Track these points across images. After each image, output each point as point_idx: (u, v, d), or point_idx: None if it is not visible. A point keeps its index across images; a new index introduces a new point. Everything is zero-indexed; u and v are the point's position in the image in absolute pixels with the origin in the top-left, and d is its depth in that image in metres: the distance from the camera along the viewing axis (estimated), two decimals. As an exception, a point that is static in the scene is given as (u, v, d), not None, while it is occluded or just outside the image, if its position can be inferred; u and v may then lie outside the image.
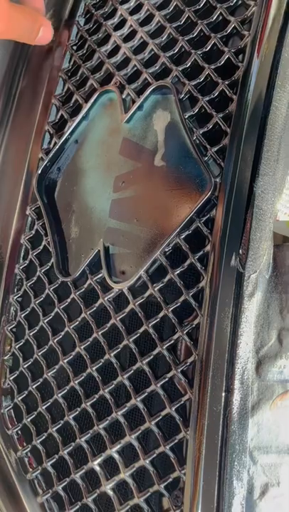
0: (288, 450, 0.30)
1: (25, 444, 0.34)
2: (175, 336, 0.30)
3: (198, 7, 0.33)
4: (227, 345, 0.29)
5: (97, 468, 0.31)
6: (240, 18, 0.32)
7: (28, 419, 0.34)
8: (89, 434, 0.31)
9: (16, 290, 0.37)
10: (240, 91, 0.31)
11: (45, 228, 0.36)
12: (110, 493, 0.30)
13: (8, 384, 0.36)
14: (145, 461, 0.29)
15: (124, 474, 0.30)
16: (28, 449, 0.34)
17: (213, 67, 0.32)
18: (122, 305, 0.32)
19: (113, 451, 0.30)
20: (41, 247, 0.36)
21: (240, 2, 0.32)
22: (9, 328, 0.37)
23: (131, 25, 0.35)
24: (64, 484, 0.32)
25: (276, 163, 0.30)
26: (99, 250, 0.33)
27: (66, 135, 0.36)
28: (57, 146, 0.36)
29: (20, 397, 0.35)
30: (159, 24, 0.34)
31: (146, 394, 0.30)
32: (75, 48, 0.38)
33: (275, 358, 0.30)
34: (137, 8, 0.36)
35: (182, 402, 0.29)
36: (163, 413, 0.29)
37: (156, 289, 0.31)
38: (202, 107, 0.31)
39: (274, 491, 0.30)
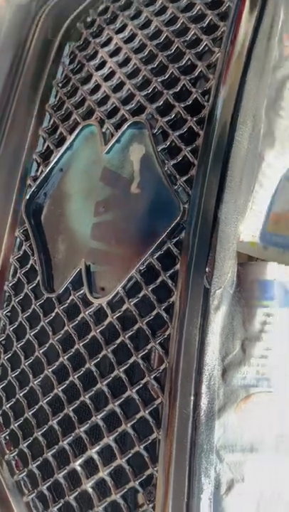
0: (251, 449, 0.33)
1: (12, 448, 0.37)
2: (148, 346, 0.33)
3: (170, 52, 0.38)
4: (195, 353, 0.32)
5: (78, 469, 0.34)
6: (207, 63, 0.36)
7: (16, 425, 0.37)
8: (71, 437, 0.34)
9: (5, 305, 0.40)
10: (206, 127, 0.35)
11: (32, 249, 0.39)
12: (90, 490, 0.33)
13: (-4, 393, 0.39)
14: (122, 461, 0.32)
15: (103, 473, 0.33)
16: (15, 452, 0.37)
17: (182, 105, 0.36)
18: (102, 318, 0.35)
19: (93, 452, 0.33)
20: (28, 266, 0.39)
21: (206, 49, 0.37)
22: (-2, 341, 0.40)
23: (110, 67, 0.40)
24: (48, 484, 0.35)
25: (238, 191, 0.34)
26: (81, 269, 0.36)
27: (52, 164, 0.40)
28: (44, 174, 0.40)
29: (8, 405, 0.38)
30: (135, 66, 0.39)
31: (122, 399, 0.33)
32: (60, 85, 0.42)
33: (239, 365, 0.33)
34: (116, 52, 0.40)
35: (155, 405, 0.32)
36: (138, 416, 0.32)
37: (132, 304, 0.34)
38: (173, 141, 0.35)
39: (239, 487, 0.33)
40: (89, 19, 0.43)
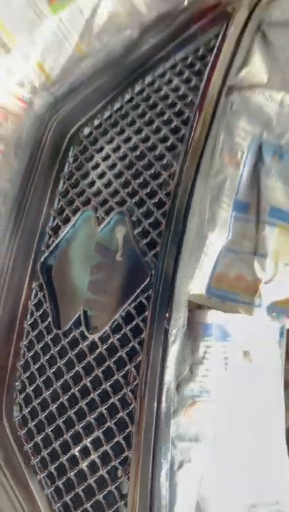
0: (196, 439, 0.48)
1: (29, 441, 0.51)
2: (126, 368, 0.48)
3: (144, 162, 0.54)
4: (158, 373, 0.47)
5: (77, 454, 0.49)
6: (168, 173, 0.52)
7: (32, 424, 0.51)
8: (72, 431, 0.49)
9: (24, 338, 0.56)
10: (168, 218, 0.51)
11: (45, 297, 0.54)
12: (85, 469, 0.48)
13: (18, 401, 0.54)
14: (107, 447, 0.47)
15: (94, 456, 0.48)
16: (31, 444, 0.51)
17: (152, 201, 0.52)
18: (94, 348, 0.51)
19: (87, 441, 0.48)
20: (42, 310, 0.55)
21: (169, 162, 0.53)
22: (19, 364, 0.55)
23: (102, 169, 0.56)
24: (55, 465, 0.49)
25: (189, 262, 0.50)
26: (80, 313, 0.52)
27: (60, 236, 0.56)
28: (54, 243, 0.55)
29: (27, 410, 0.52)
30: (120, 170, 0.55)
31: (108, 404, 0.48)
32: (66, 177, 0.59)
33: (188, 381, 0.49)
34: (107, 158, 0.56)
35: (130, 409, 0.47)
36: (118, 416, 0.47)
37: (115, 338, 0.49)
38: (144, 227, 0.51)
39: (187, 466, 0.48)
40: (87, 130, 0.59)
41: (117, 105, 0.59)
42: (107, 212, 0.54)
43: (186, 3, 0.61)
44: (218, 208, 0.53)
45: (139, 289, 0.49)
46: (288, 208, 0.53)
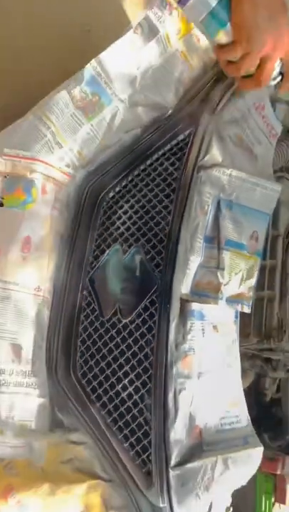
0: (187, 376, 0.83)
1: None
2: (146, 337, 0.83)
3: (149, 215, 0.89)
4: (165, 340, 0.83)
5: (121, 389, 0.83)
6: (165, 222, 0.88)
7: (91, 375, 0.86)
8: (117, 375, 0.84)
9: (80, 324, 0.90)
10: (166, 249, 0.86)
11: (93, 299, 0.89)
12: (126, 397, 0.83)
13: (80, 363, 0.88)
14: (138, 383, 0.82)
15: (130, 389, 0.82)
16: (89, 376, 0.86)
17: (156, 239, 0.87)
18: (126, 327, 0.85)
19: (126, 381, 0.83)
20: (91, 307, 0.89)
21: (164, 216, 0.89)
22: (79, 340, 0.89)
23: (123, 219, 0.91)
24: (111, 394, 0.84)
25: (180, 274, 0.85)
26: (116, 308, 0.87)
27: (100, 262, 0.90)
28: (96, 267, 0.90)
29: (86, 367, 0.87)
30: (135, 220, 0.90)
31: (137, 358, 0.83)
32: (100, 224, 0.93)
33: (182, 344, 0.84)
34: (126, 212, 0.92)
35: (149, 360, 0.82)
36: (142, 365, 0.82)
37: (139, 320, 0.85)
38: (152, 255, 0.86)
39: (183, 392, 0.82)
40: (111, 194, 0.94)
41: (130, 178, 0.94)
42: (129, 247, 0.89)
43: (170, 112, 0.97)
44: (194, 241, 0.88)
45: (151, 292, 0.84)
46: (236, 240, 0.89)
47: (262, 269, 1.15)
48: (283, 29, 0.69)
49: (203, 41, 0.97)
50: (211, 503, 0.82)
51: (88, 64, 0.93)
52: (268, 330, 1.19)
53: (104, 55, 0.93)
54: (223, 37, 0.74)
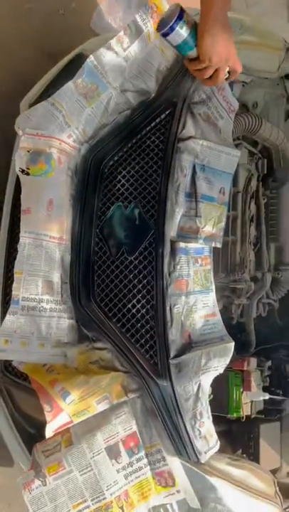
0: (179, 294, 1.13)
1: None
2: (151, 265, 1.13)
3: (144, 176, 1.17)
4: (160, 268, 1.12)
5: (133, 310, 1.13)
6: (155, 184, 1.15)
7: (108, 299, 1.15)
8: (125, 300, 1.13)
9: (95, 260, 1.18)
10: (158, 204, 1.14)
11: (103, 243, 1.17)
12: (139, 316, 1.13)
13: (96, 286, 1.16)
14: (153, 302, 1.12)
15: (138, 306, 1.12)
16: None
17: (150, 196, 1.15)
18: (135, 257, 1.14)
19: (133, 300, 1.13)
20: (103, 249, 1.17)
21: (155, 178, 1.16)
22: (96, 272, 1.17)
23: (122, 182, 1.18)
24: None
25: (169, 222, 1.14)
26: (123, 247, 1.15)
27: (107, 215, 1.17)
28: (104, 219, 1.17)
29: (103, 294, 1.15)
30: (131, 182, 1.17)
31: (148, 278, 1.13)
32: (104, 186, 1.20)
33: (173, 272, 1.14)
34: (124, 176, 1.18)
35: (152, 284, 1.12)
36: (151, 284, 1.12)
37: (144, 253, 1.13)
38: (148, 209, 1.14)
39: (175, 305, 1.13)
40: (111, 162, 1.20)
41: (125, 149, 1.20)
42: (129, 203, 1.16)
43: (152, 96, 1.23)
44: (178, 197, 1.16)
45: (149, 236, 1.13)
46: (208, 195, 1.19)
47: (226, 219, 1.45)
48: (231, 50, 1.06)
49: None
50: (200, 385, 1.14)
51: (88, 59, 1.17)
52: (233, 266, 1.51)
53: (100, 52, 1.17)
54: (191, 55, 1.09)
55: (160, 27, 1.10)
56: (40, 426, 1.16)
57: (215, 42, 1.02)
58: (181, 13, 1.04)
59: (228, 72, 1.11)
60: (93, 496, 1.07)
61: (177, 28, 1.04)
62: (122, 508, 1.07)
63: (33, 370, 1.11)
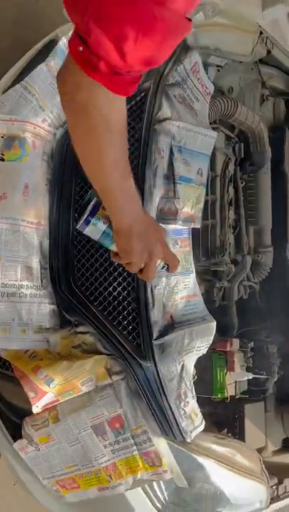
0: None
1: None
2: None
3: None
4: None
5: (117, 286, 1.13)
6: (135, 162, 1.15)
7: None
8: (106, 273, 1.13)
9: (75, 244, 1.17)
10: (138, 179, 1.14)
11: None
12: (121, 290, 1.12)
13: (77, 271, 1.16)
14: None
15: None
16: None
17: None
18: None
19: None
20: (83, 235, 1.16)
21: (133, 161, 1.16)
22: (75, 256, 1.16)
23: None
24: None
25: (148, 204, 1.14)
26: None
27: (84, 200, 1.17)
28: (81, 203, 1.17)
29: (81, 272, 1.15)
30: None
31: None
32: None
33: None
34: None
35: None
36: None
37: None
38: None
39: (159, 284, 1.13)
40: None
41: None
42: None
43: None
44: (156, 179, 1.16)
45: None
46: (186, 176, 1.19)
47: (205, 203, 1.46)
48: (154, 245, 0.91)
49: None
50: (183, 365, 1.14)
51: (60, 41, 1.16)
52: (213, 249, 1.52)
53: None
54: (114, 249, 0.94)
55: (78, 215, 1.01)
56: (25, 415, 1.16)
57: (128, 240, 0.87)
58: (94, 208, 0.93)
59: (164, 264, 0.98)
60: (83, 463, 1.12)
61: (90, 226, 0.93)
62: (110, 476, 1.09)
63: (15, 356, 1.10)
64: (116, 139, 0.76)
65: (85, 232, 0.95)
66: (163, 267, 0.98)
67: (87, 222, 0.93)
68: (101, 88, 0.64)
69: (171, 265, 0.99)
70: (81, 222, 0.94)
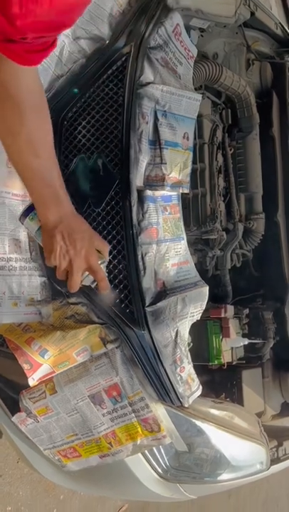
0: (149, 242, 1.12)
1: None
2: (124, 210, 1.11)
3: (103, 124, 1.14)
4: (129, 213, 1.11)
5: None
6: (116, 132, 1.13)
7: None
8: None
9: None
10: (121, 153, 1.12)
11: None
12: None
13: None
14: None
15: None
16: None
17: (111, 146, 1.12)
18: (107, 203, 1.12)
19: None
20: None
21: (114, 125, 1.13)
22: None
23: (83, 132, 1.15)
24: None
25: (134, 170, 1.12)
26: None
27: (70, 169, 1.14)
28: (66, 174, 1.14)
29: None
30: (91, 131, 1.14)
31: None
32: (65, 137, 1.16)
33: (142, 220, 1.12)
34: (84, 126, 1.15)
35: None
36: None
37: (114, 200, 1.11)
38: (112, 158, 1.12)
39: (148, 254, 1.12)
40: (70, 114, 1.17)
41: (83, 100, 1.17)
42: (91, 154, 1.13)
43: (107, 42, 1.19)
44: (141, 144, 1.14)
45: (114, 185, 1.10)
46: (172, 141, 1.17)
47: (194, 172, 1.44)
48: (78, 252, 0.88)
49: (125, -19, 1.19)
50: (177, 331, 1.14)
51: (35, 5, 1.12)
52: (204, 218, 1.50)
53: (48, -3, 1.12)
54: None
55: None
56: (23, 390, 1.15)
57: (49, 238, 0.87)
58: (30, 206, 0.94)
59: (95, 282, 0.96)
60: (82, 432, 1.12)
61: (27, 220, 0.95)
62: (110, 443, 1.09)
63: (8, 330, 1.09)
64: (29, 117, 0.73)
65: (23, 225, 0.98)
66: (93, 282, 0.95)
67: (25, 215, 0.95)
68: (6, 63, 0.62)
69: (98, 283, 0.95)
70: (21, 214, 0.97)
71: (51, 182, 0.83)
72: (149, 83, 1.16)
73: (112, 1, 1.19)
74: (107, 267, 1.09)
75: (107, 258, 0.98)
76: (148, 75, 1.17)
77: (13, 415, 1.21)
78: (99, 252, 0.94)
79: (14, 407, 1.22)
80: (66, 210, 0.88)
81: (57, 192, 0.85)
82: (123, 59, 1.17)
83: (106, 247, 0.96)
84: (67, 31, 1.15)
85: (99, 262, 0.93)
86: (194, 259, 1.53)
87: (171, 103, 1.18)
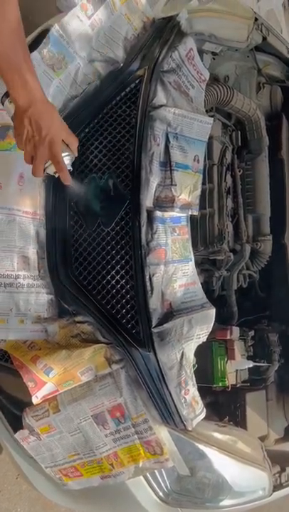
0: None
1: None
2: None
3: (116, 145, 1.15)
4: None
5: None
6: (128, 154, 1.14)
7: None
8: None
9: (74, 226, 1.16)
10: (132, 177, 1.13)
11: (79, 217, 1.15)
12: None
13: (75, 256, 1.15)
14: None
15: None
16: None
17: (123, 166, 1.13)
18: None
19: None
20: (78, 222, 1.15)
21: (127, 150, 1.15)
22: (73, 242, 1.15)
23: (95, 153, 1.16)
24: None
25: (144, 192, 1.13)
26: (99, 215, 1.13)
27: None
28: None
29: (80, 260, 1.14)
30: (104, 152, 1.15)
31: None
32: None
33: (152, 241, 1.12)
34: (96, 147, 1.16)
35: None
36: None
37: (124, 219, 1.12)
38: (123, 179, 1.13)
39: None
40: (82, 135, 1.18)
41: (96, 120, 1.18)
42: (103, 174, 1.14)
43: (121, 65, 1.21)
44: (152, 166, 1.15)
45: (124, 206, 1.11)
46: (182, 163, 1.18)
47: (202, 192, 1.45)
48: (42, 138, 0.89)
49: (141, 4, 1.21)
50: (183, 353, 1.14)
51: (52, 28, 1.15)
52: (211, 238, 1.51)
53: (64, 20, 1.15)
54: None
55: None
56: (26, 407, 1.15)
57: (19, 121, 0.88)
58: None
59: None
60: (84, 452, 1.12)
61: (7, 102, 0.93)
62: (112, 464, 1.08)
63: (14, 347, 1.10)
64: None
65: (4, 107, 0.95)
66: (56, 172, 0.96)
67: (7, 96, 0.92)
68: None
69: (59, 174, 0.96)
70: (3, 95, 0.94)
71: (17, 65, 0.85)
72: (161, 106, 1.17)
73: (127, 25, 1.21)
74: (115, 286, 1.09)
75: (75, 153, 0.97)
76: (160, 97, 1.18)
77: (14, 431, 1.21)
78: (67, 145, 0.94)
79: (16, 424, 1.22)
80: (35, 96, 0.88)
81: (24, 76, 0.86)
82: (137, 81, 1.19)
83: (74, 142, 0.96)
84: (83, 53, 1.18)
85: (63, 154, 0.93)
86: (201, 279, 1.53)
87: (182, 126, 1.19)
